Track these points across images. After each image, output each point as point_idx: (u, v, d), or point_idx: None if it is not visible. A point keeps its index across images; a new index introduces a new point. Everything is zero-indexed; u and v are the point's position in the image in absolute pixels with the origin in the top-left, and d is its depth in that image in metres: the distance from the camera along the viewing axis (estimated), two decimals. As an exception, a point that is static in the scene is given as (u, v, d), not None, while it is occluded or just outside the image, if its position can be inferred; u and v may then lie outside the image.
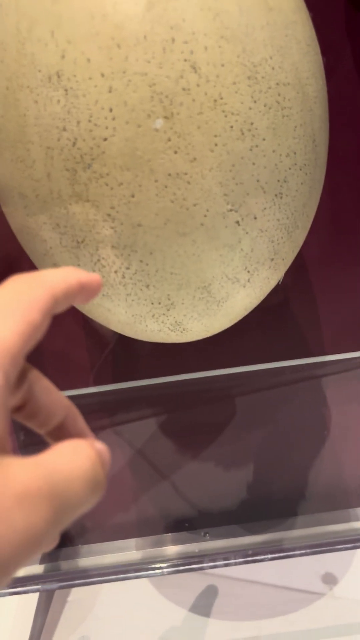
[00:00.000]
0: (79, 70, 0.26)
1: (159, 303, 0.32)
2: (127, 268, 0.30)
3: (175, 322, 0.33)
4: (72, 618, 0.54)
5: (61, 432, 0.21)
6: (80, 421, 0.21)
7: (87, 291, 0.21)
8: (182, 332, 0.35)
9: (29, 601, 0.54)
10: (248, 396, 0.55)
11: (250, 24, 0.27)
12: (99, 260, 0.30)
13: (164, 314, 0.33)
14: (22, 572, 0.43)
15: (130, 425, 0.54)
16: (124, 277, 0.30)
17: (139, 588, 0.56)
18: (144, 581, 0.57)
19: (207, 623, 0.52)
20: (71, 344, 0.51)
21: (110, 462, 0.19)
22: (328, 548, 0.39)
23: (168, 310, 0.32)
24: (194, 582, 0.56)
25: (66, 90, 0.26)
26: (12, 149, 0.29)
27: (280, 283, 0.52)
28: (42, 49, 0.27)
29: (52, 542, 0.17)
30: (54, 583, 0.38)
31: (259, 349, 0.52)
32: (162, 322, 0.33)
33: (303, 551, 0.38)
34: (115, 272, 0.30)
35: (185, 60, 0.26)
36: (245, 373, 0.54)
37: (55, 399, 0.20)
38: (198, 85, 0.26)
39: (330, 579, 0.53)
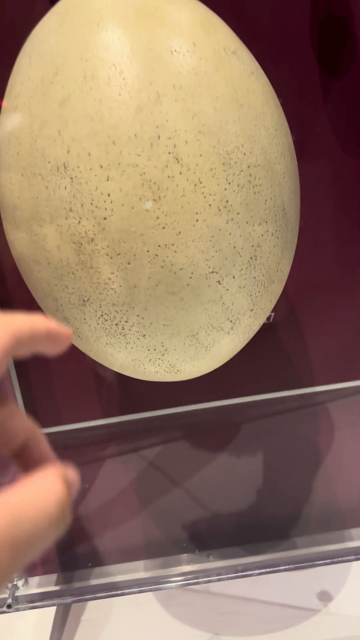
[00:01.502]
0: (81, 162, 0.31)
1: (155, 349, 0.37)
2: (126, 321, 0.35)
3: (170, 365, 0.38)
4: (86, 636, 0.58)
5: (25, 454, 0.21)
6: (43, 444, 0.21)
7: (55, 341, 0.21)
8: (176, 373, 0.39)
9: (46, 620, 0.58)
10: (244, 425, 0.59)
11: (224, 119, 0.32)
12: (102, 315, 0.35)
13: (159, 359, 0.37)
14: (39, 589, 0.47)
15: (135, 454, 0.59)
16: (123, 328, 0.35)
17: (147, 607, 0.60)
18: (152, 601, 0.61)
19: (212, 639, 0.55)
20: (81, 381, 0.56)
21: (77, 485, 0.19)
22: (310, 564, 0.43)
23: (163, 355, 0.37)
24: (199, 601, 0.60)
25: (72, 178, 0.32)
26: (27, 224, 0.34)
27: (270, 320, 0.57)
28: (51, 144, 0.32)
29: (10, 580, 0.19)
30: (68, 597, 0.43)
31: (253, 382, 0.57)
32: (159, 365, 0.38)
33: (287, 566, 0.42)
34: (116, 324, 0.35)
35: (169, 152, 0.31)
36: (243, 404, 0.58)
37: (19, 423, 0.21)
38: (181, 173, 0.31)
39: (325, 597, 0.56)
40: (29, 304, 0.46)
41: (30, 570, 0.55)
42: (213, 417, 0.58)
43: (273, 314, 0.57)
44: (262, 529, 0.61)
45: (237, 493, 0.61)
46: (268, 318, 0.56)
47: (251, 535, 0.61)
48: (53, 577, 0.60)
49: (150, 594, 0.61)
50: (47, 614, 0.60)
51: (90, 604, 0.61)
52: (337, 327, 0.57)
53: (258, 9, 0.46)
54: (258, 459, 0.60)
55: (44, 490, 0.18)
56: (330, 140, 0.50)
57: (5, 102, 0.43)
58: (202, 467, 0.60)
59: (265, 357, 0.57)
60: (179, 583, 0.45)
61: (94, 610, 0.60)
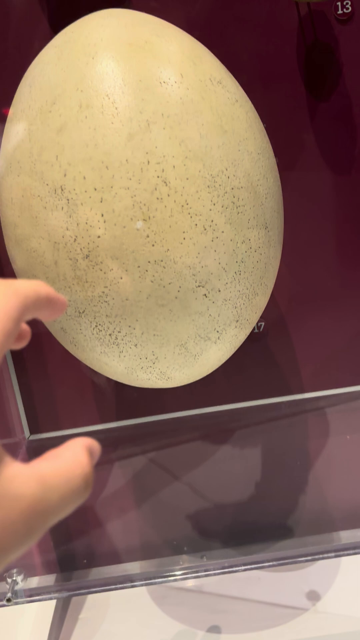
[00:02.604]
0: (77, 185, 0.34)
1: (146, 358, 0.39)
2: (119, 332, 0.37)
3: (161, 372, 0.41)
4: (83, 634, 0.60)
5: None
6: None
7: (53, 307, 0.22)
8: (167, 380, 0.42)
9: (45, 618, 0.60)
10: (236, 431, 0.61)
11: (209, 145, 0.35)
12: (96, 326, 0.38)
13: (150, 367, 0.40)
14: (33, 585, 0.49)
15: (133, 459, 0.61)
16: (116, 338, 0.38)
17: (142, 606, 0.62)
18: (147, 600, 0.63)
19: (205, 637, 0.58)
20: (79, 388, 0.58)
21: (98, 456, 0.20)
22: (293, 560, 0.45)
23: (154, 363, 0.40)
24: (193, 601, 0.62)
25: (68, 200, 0.34)
26: (27, 241, 0.37)
27: (261, 330, 0.60)
28: (49, 168, 0.35)
29: (28, 548, 0.18)
30: (65, 592, 0.45)
31: (245, 389, 0.59)
32: (150, 372, 0.41)
33: (270, 563, 0.44)
34: (110, 335, 0.38)
35: (158, 176, 0.34)
36: (235, 410, 0.61)
37: None
38: (169, 195, 0.34)
39: (313, 596, 0.59)
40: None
41: (29, 571, 0.58)
42: (206, 422, 0.61)
43: (263, 323, 0.59)
44: (254, 532, 0.63)
45: (230, 497, 0.63)
46: (258, 327, 0.59)
47: (244, 537, 0.63)
48: (52, 577, 0.62)
49: (145, 593, 0.63)
50: (45, 613, 0.62)
51: (88, 603, 0.63)
52: (326, 336, 0.60)
53: (246, 37, 0.49)
54: (249, 464, 0.63)
55: (71, 461, 0.19)
56: (316, 160, 0.52)
57: (9, 110, 0.46)
58: (195, 472, 0.63)
59: (255, 365, 0.59)
60: (170, 579, 0.47)
61: (91, 608, 0.62)
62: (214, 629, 0.58)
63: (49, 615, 0.61)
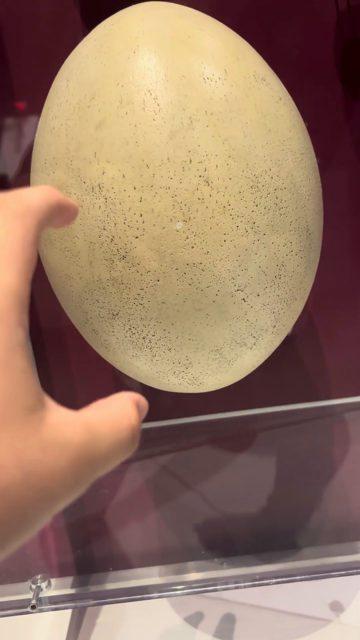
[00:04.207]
0: (116, 184, 0.33)
1: (179, 363, 0.38)
2: (153, 335, 0.36)
3: (193, 377, 0.39)
4: (100, 638, 0.59)
5: None
6: None
7: (66, 214, 0.21)
8: (198, 385, 0.41)
9: (62, 623, 0.59)
10: (260, 435, 0.60)
11: (253, 144, 0.33)
12: (130, 329, 0.36)
13: (183, 371, 0.39)
14: (57, 592, 0.48)
15: (153, 461, 0.60)
16: (150, 342, 0.37)
17: (161, 613, 0.61)
18: (166, 606, 0.62)
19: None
20: (103, 391, 0.57)
21: (146, 412, 0.19)
22: (325, 574, 0.44)
23: (187, 368, 0.38)
24: (214, 608, 0.61)
25: (106, 199, 0.33)
26: (61, 240, 0.36)
27: (290, 335, 0.58)
28: (86, 165, 0.33)
29: (79, 494, 0.17)
30: (90, 600, 0.44)
31: (271, 394, 0.58)
32: (182, 377, 0.39)
33: (303, 576, 0.43)
34: (144, 338, 0.37)
35: (200, 176, 0.32)
36: (260, 415, 0.60)
37: None
38: (210, 196, 0.32)
39: (337, 607, 0.57)
40: (58, 314, 0.48)
41: (48, 572, 0.57)
42: (230, 427, 0.59)
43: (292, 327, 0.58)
44: (275, 538, 0.62)
45: (252, 502, 0.62)
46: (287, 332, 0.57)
47: (265, 544, 0.62)
48: (69, 579, 0.62)
49: (164, 600, 0.62)
50: (62, 618, 0.61)
51: (105, 607, 0.62)
52: (354, 342, 0.58)
53: (284, 34, 0.48)
54: (273, 469, 0.61)
55: (119, 412, 0.18)
56: (354, 162, 0.51)
57: (21, 104, 0.45)
58: (217, 476, 0.62)
59: (283, 370, 0.58)
60: (195, 590, 0.46)
61: (109, 613, 0.61)
62: (237, 639, 0.57)
63: (67, 620, 0.60)
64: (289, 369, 0.58)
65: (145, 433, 0.62)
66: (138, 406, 0.19)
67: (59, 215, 0.20)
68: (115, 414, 0.18)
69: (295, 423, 0.61)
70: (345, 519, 0.63)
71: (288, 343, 0.57)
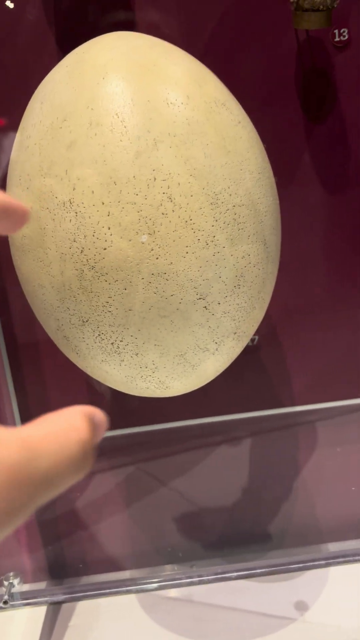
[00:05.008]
0: (86, 199, 0.35)
1: (146, 367, 0.40)
2: (121, 341, 0.39)
3: (160, 381, 0.42)
4: (73, 637, 0.60)
5: None
6: None
7: (13, 218, 0.20)
8: (165, 389, 0.43)
9: (35, 625, 0.61)
10: (229, 441, 0.63)
11: (212, 164, 0.36)
12: (99, 335, 0.39)
13: (150, 376, 0.41)
14: (29, 588, 0.50)
15: (127, 467, 0.62)
16: (118, 347, 0.39)
17: (132, 614, 0.63)
18: (136, 607, 0.63)
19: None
20: (76, 397, 0.59)
21: (104, 430, 0.18)
22: (284, 568, 0.46)
23: (153, 372, 0.41)
24: (182, 609, 0.63)
25: (76, 213, 0.36)
26: (34, 251, 0.38)
27: (255, 343, 0.61)
28: (58, 182, 0.36)
29: (22, 521, 0.15)
30: (61, 595, 0.46)
31: (238, 401, 0.61)
32: (149, 381, 0.42)
33: (262, 570, 0.46)
34: (112, 343, 0.39)
35: (163, 193, 0.35)
36: (228, 421, 0.62)
37: None
38: (173, 211, 0.35)
39: (302, 606, 0.60)
40: (31, 321, 0.50)
41: (20, 570, 0.58)
42: (199, 433, 0.62)
43: (257, 337, 0.60)
44: (244, 541, 0.64)
45: (221, 507, 0.64)
46: (252, 340, 0.60)
47: (233, 547, 0.64)
48: (42, 584, 0.63)
49: (135, 601, 0.64)
50: (35, 620, 0.62)
51: (78, 610, 0.63)
52: (319, 350, 0.61)
53: (249, 63, 0.51)
54: (241, 474, 0.64)
55: (66, 426, 0.16)
56: (312, 180, 0.54)
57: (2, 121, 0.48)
58: (188, 481, 0.64)
59: (249, 378, 0.61)
60: (162, 583, 0.48)
61: (82, 615, 0.62)
62: (204, 638, 0.59)
63: (40, 622, 0.61)
64: (254, 377, 0.60)
65: (118, 439, 0.63)
66: (92, 420, 0.17)
67: (6, 217, 0.20)
68: (62, 429, 0.16)
69: (262, 430, 0.64)
70: (309, 523, 0.65)
71: (253, 352, 0.60)
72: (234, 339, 0.41)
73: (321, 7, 0.47)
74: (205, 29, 0.51)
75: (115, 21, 0.50)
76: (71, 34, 0.51)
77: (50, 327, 0.41)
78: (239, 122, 0.39)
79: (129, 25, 0.50)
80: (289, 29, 0.51)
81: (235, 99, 0.41)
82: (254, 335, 0.60)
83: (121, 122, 0.35)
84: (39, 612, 0.63)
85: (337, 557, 0.51)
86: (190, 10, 0.50)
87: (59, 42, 0.50)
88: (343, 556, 0.49)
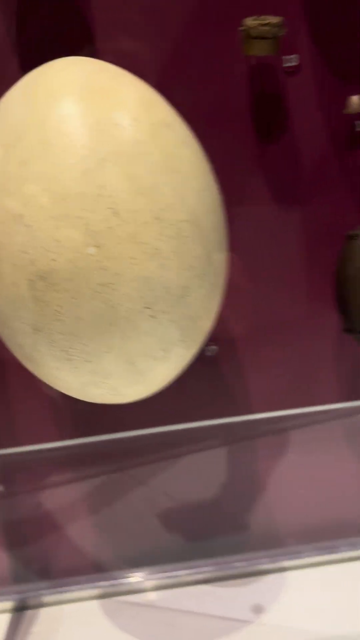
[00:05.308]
0: (36, 214, 0.37)
1: (98, 374, 0.42)
2: (72, 348, 0.40)
3: (112, 388, 0.44)
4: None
5: None
6: None
7: None
8: (119, 396, 0.45)
9: (-3, 632, 0.62)
10: (190, 449, 0.64)
11: (157, 182, 0.38)
12: (51, 342, 0.41)
13: (102, 382, 0.43)
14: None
15: (88, 476, 0.64)
16: (69, 354, 0.41)
17: (95, 620, 0.64)
18: (100, 614, 0.64)
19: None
20: (38, 405, 0.61)
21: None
22: (242, 573, 0.48)
23: (106, 379, 0.43)
24: (145, 615, 0.64)
25: (27, 226, 0.38)
26: (-11, 263, 0.40)
27: (214, 354, 0.63)
28: (10, 198, 0.38)
29: None
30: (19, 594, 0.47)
31: (195, 409, 0.63)
32: (103, 388, 0.44)
33: (222, 574, 0.47)
34: (63, 350, 0.41)
35: (109, 208, 0.37)
36: (187, 430, 0.64)
37: None
38: (119, 225, 0.37)
39: (258, 609, 0.61)
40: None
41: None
42: (159, 440, 0.63)
43: (217, 347, 0.62)
44: (204, 548, 0.66)
45: (181, 515, 0.66)
46: (211, 351, 0.62)
47: (195, 553, 0.66)
48: (3, 590, 0.64)
49: (98, 607, 0.65)
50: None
51: (41, 616, 0.64)
52: (276, 362, 0.63)
53: (200, 86, 0.54)
54: (198, 484, 0.65)
55: None
56: (264, 197, 0.57)
57: None
58: (150, 490, 0.65)
59: (208, 387, 0.63)
60: (126, 589, 0.50)
61: (45, 622, 0.63)
62: (163, 642, 0.60)
63: (2, 629, 0.62)
64: (212, 386, 0.62)
65: (80, 448, 0.65)
66: None
67: None
68: None
69: (221, 439, 0.65)
70: (269, 531, 0.67)
71: (211, 361, 0.62)
72: (182, 347, 0.43)
73: (268, 35, 0.50)
74: (160, 55, 0.53)
75: (73, 46, 0.52)
76: (34, 56, 0.54)
77: (5, 335, 0.43)
78: (184, 142, 0.41)
79: (86, 50, 0.52)
80: (241, 54, 0.53)
81: (181, 121, 0.43)
82: (214, 346, 0.62)
83: (71, 142, 0.38)
84: (1, 619, 0.64)
85: (294, 561, 0.53)
86: (148, 36, 0.53)
87: (20, 61, 0.53)
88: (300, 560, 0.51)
